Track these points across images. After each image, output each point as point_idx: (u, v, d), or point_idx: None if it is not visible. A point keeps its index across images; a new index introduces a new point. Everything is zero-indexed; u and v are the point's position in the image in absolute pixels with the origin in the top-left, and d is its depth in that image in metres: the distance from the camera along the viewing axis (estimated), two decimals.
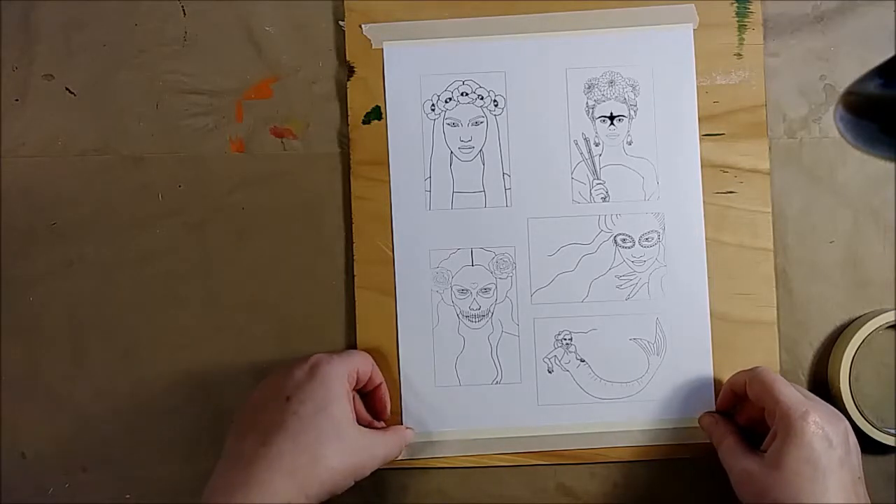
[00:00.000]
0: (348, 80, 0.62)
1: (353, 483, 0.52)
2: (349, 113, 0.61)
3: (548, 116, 0.61)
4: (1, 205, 0.62)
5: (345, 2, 0.62)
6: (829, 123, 0.61)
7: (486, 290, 0.60)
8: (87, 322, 0.62)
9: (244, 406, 0.54)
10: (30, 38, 0.63)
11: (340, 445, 0.51)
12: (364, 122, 0.61)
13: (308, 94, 0.62)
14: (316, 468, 0.50)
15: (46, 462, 0.62)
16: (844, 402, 0.57)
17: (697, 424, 0.59)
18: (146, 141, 0.62)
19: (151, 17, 0.63)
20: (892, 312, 0.58)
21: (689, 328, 0.60)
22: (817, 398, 0.53)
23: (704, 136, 0.60)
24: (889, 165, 0.60)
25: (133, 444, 0.62)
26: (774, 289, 0.60)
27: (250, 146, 0.62)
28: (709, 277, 0.60)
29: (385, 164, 0.61)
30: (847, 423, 0.51)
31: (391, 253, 0.61)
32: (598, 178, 0.60)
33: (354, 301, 0.61)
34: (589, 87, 0.61)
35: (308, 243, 0.62)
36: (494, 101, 0.61)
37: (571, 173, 0.60)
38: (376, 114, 0.61)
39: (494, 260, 0.60)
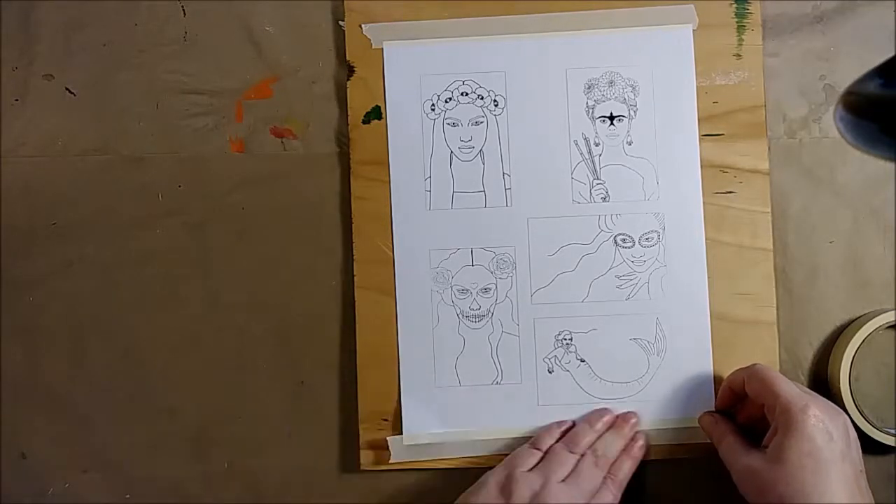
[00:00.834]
0: (348, 79, 0.62)
1: None
2: (349, 113, 0.61)
3: (548, 116, 0.61)
4: (1, 205, 0.62)
5: (345, 2, 0.62)
6: (829, 123, 0.61)
7: (486, 290, 0.60)
8: (87, 322, 0.62)
9: None
10: (30, 38, 0.63)
11: None
12: (364, 122, 0.61)
13: (308, 94, 0.62)
14: None
15: (46, 462, 0.62)
16: (844, 402, 0.57)
17: (698, 424, 0.59)
18: (146, 141, 0.62)
19: (151, 17, 0.63)
20: (892, 312, 0.58)
21: (689, 328, 0.60)
22: (815, 393, 0.53)
23: (704, 136, 0.60)
24: (889, 165, 0.60)
25: (133, 444, 0.62)
26: (774, 289, 0.60)
27: (250, 146, 0.62)
28: (709, 277, 0.60)
29: (385, 163, 0.61)
30: (846, 416, 0.52)
31: (391, 253, 0.61)
32: (598, 178, 0.60)
33: (354, 301, 0.61)
34: (589, 88, 0.61)
35: (308, 243, 0.62)
36: (494, 101, 0.61)
37: (571, 173, 0.60)
38: (376, 114, 0.61)
39: (494, 260, 0.60)
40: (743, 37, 0.61)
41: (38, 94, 0.63)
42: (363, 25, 0.61)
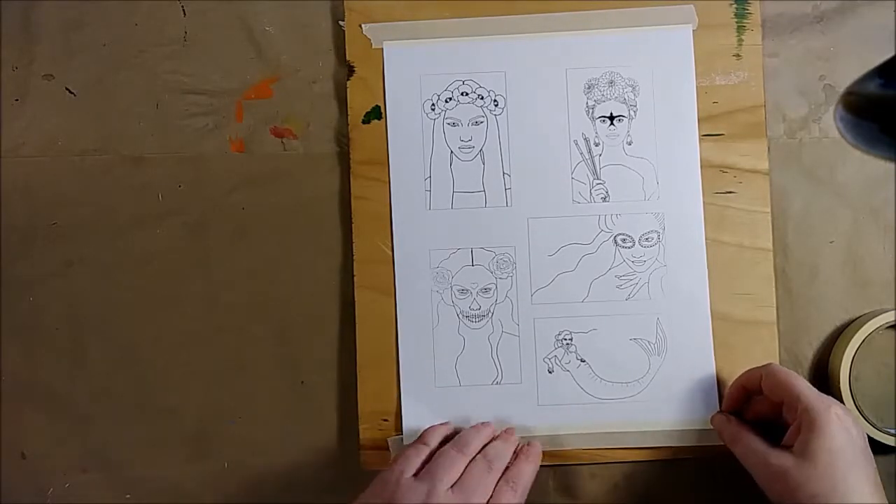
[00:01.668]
0: (348, 79, 0.62)
1: None
2: (349, 113, 0.61)
3: (548, 116, 0.61)
4: (1, 205, 0.62)
5: (345, 2, 0.62)
6: (829, 123, 0.61)
7: (486, 290, 0.60)
8: (87, 322, 0.62)
9: None
10: (30, 38, 0.63)
11: None
12: (364, 122, 0.61)
13: (308, 94, 0.62)
14: None
15: (46, 462, 0.62)
16: (844, 402, 0.57)
17: (699, 426, 0.59)
18: (146, 141, 0.62)
19: (151, 17, 0.63)
20: (892, 312, 0.58)
21: (689, 328, 0.60)
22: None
23: (704, 136, 0.60)
24: (889, 165, 0.60)
25: (133, 444, 0.62)
26: (774, 289, 0.60)
27: (250, 146, 0.62)
28: (709, 277, 0.60)
29: (385, 163, 0.61)
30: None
31: (391, 253, 0.61)
32: (598, 178, 0.60)
33: (354, 301, 0.61)
34: (589, 88, 0.61)
35: (308, 243, 0.62)
36: (494, 100, 0.61)
37: (571, 173, 0.60)
38: (376, 113, 0.61)
39: (494, 260, 0.60)
40: (743, 37, 0.61)
41: (38, 94, 0.63)
42: (363, 25, 0.61)
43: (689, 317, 0.60)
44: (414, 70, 0.61)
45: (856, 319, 0.60)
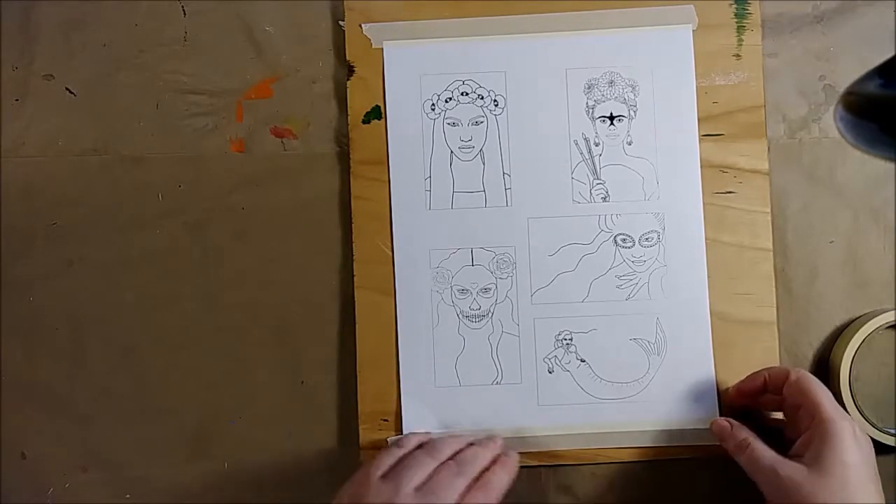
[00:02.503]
0: (348, 79, 0.62)
1: None
2: (349, 112, 0.61)
3: (548, 116, 0.61)
4: (1, 205, 0.62)
5: (345, 1, 0.62)
6: (829, 123, 0.61)
7: (486, 289, 0.60)
8: (87, 322, 0.62)
9: None
10: (30, 38, 0.63)
11: None
12: (364, 122, 0.61)
13: (308, 94, 0.62)
14: None
15: (46, 462, 0.62)
16: (844, 402, 0.57)
17: (699, 426, 0.59)
18: (146, 141, 0.62)
19: (151, 17, 0.63)
20: (892, 312, 0.58)
21: (689, 328, 0.60)
22: None
23: (704, 136, 0.60)
24: (889, 165, 0.60)
25: (133, 444, 0.62)
26: (774, 289, 0.60)
27: (250, 146, 0.62)
28: (708, 277, 0.60)
29: (385, 163, 0.61)
30: None
31: (391, 253, 0.61)
32: (598, 178, 0.60)
33: (354, 301, 0.61)
34: (589, 88, 0.61)
35: (308, 243, 0.62)
36: (494, 100, 0.61)
37: (571, 173, 0.60)
38: (376, 113, 0.61)
39: (494, 260, 0.60)
40: (742, 37, 0.61)
41: (38, 94, 0.63)
42: (363, 25, 0.61)
43: (688, 317, 0.60)
44: (414, 70, 0.61)
45: (856, 319, 0.60)
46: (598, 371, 0.60)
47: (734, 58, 0.61)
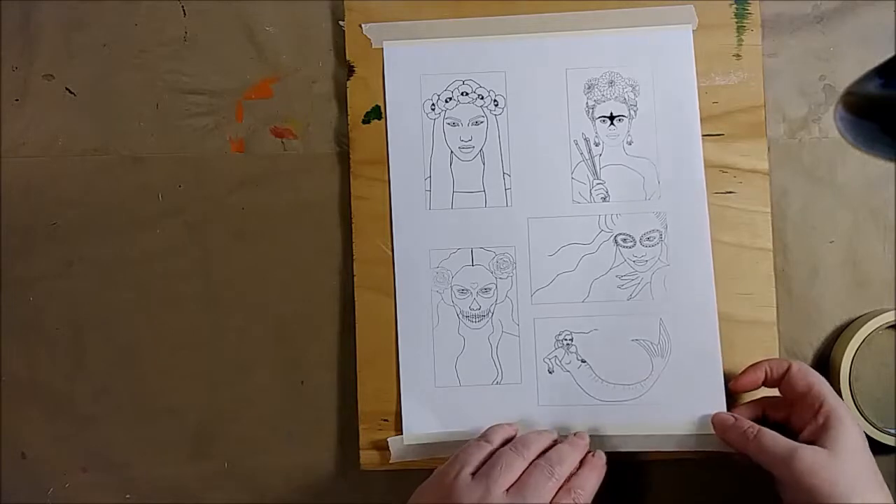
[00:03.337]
0: (348, 79, 0.62)
1: None
2: (349, 112, 0.61)
3: (548, 116, 0.61)
4: (1, 205, 0.62)
5: (345, 1, 0.62)
6: (829, 123, 0.61)
7: (486, 289, 0.60)
8: (87, 322, 0.62)
9: None
10: (30, 38, 0.63)
11: None
12: (364, 122, 0.61)
13: (308, 94, 0.62)
14: None
15: (46, 462, 0.62)
16: (844, 401, 0.57)
17: (705, 431, 0.57)
18: (146, 141, 0.62)
19: (151, 17, 0.63)
20: (892, 312, 0.58)
21: (695, 329, 0.59)
22: None
23: (704, 136, 0.60)
24: (889, 165, 0.60)
25: (133, 444, 0.62)
26: (774, 289, 0.60)
27: (250, 146, 0.62)
28: None
29: (385, 163, 0.61)
30: None
31: (391, 253, 0.61)
32: (598, 178, 0.60)
33: (354, 301, 0.61)
34: (589, 88, 0.61)
35: (308, 243, 0.62)
36: (494, 100, 0.61)
37: (571, 173, 0.60)
38: (376, 113, 0.61)
39: (495, 260, 0.60)
40: (742, 37, 0.61)
41: (38, 94, 0.63)
42: (363, 25, 0.61)
43: (694, 317, 0.59)
44: (414, 70, 0.61)
45: (856, 319, 0.60)
46: (599, 372, 0.59)
47: (734, 58, 0.61)
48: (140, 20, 0.63)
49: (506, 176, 0.61)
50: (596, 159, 0.60)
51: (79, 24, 0.63)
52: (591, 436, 0.58)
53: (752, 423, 0.54)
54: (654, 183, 0.60)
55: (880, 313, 0.58)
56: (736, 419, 0.55)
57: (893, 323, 0.58)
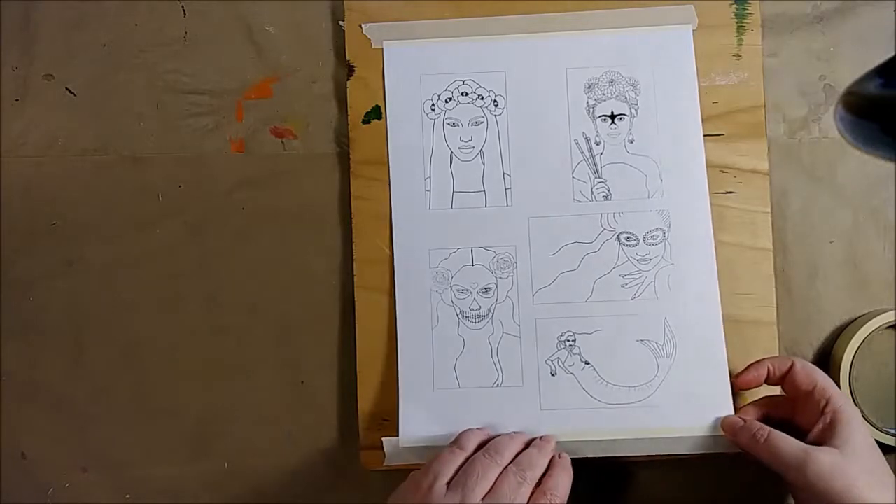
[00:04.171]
0: (348, 79, 0.62)
1: None
2: (349, 113, 0.61)
3: (548, 116, 0.61)
4: (1, 205, 0.62)
5: (345, 1, 0.62)
6: (829, 123, 0.61)
7: (486, 290, 0.60)
8: (87, 322, 0.62)
9: None
10: (30, 38, 0.63)
11: None
12: (364, 122, 0.61)
13: (308, 94, 0.62)
14: None
15: (46, 462, 0.62)
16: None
17: (713, 432, 0.57)
18: (146, 141, 0.62)
19: (151, 17, 0.63)
20: (892, 312, 0.58)
21: (700, 328, 0.58)
22: None
23: (704, 136, 0.60)
24: (889, 165, 0.60)
25: (133, 444, 0.62)
26: (774, 289, 0.60)
27: (250, 146, 0.62)
28: None
29: (385, 163, 0.61)
30: None
31: (391, 253, 0.61)
32: (599, 177, 0.60)
33: (354, 301, 0.61)
34: (589, 87, 0.61)
35: (308, 243, 0.62)
36: (494, 101, 0.61)
37: (572, 172, 0.60)
38: (376, 113, 0.61)
39: (495, 259, 0.60)
40: (743, 37, 0.61)
41: (38, 94, 0.63)
42: (363, 25, 0.61)
43: (699, 317, 0.59)
44: (414, 70, 0.61)
45: (856, 319, 0.60)
46: (603, 374, 0.59)
47: (734, 58, 0.61)
48: (140, 20, 0.63)
49: (506, 176, 0.61)
50: (597, 158, 0.60)
51: (79, 24, 0.63)
52: (596, 440, 0.57)
53: (761, 425, 0.53)
54: (657, 181, 0.60)
55: (880, 313, 0.58)
56: (746, 421, 0.55)
57: (893, 323, 0.58)
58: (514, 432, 0.57)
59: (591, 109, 0.61)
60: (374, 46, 0.62)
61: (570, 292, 0.59)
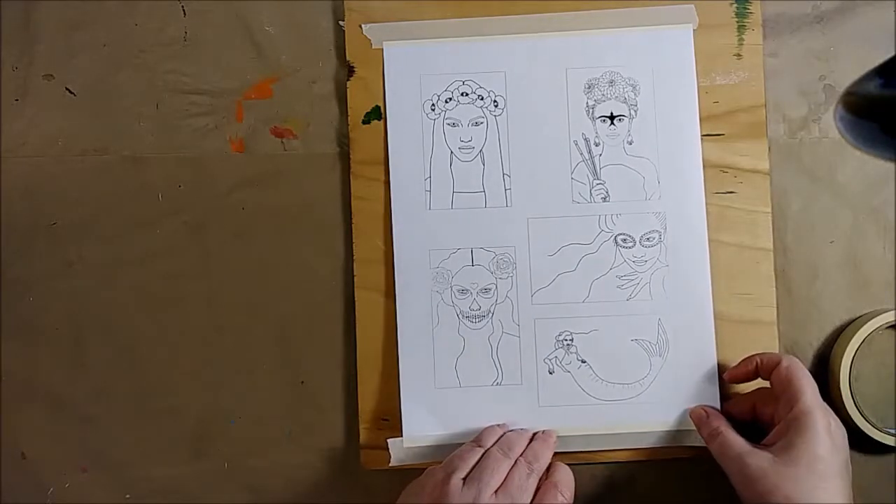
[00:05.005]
0: (348, 79, 0.62)
1: None
2: (349, 113, 0.61)
3: (548, 116, 0.61)
4: (1, 205, 0.62)
5: (345, 2, 0.62)
6: (829, 123, 0.61)
7: (486, 290, 0.60)
8: (87, 322, 0.62)
9: None
10: (30, 38, 0.63)
11: None
12: (364, 122, 0.61)
13: (308, 94, 0.62)
14: None
15: (46, 462, 0.62)
16: (844, 402, 0.57)
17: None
18: (146, 141, 0.62)
19: (151, 17, 0.63)
20: (892, 312, 0.58)
21: (692, 329, 0.59)
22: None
23: (704, 136, 0.60)
24: (889, 165, 0.60)
25: (133, 444, 0.62)
26: (774, 289, 0.60)
27: (250, 146, 0.62)
28: None
29: (385, 163, 0.61)
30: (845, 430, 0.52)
31: (391, 253, 0.61)
32: (598, 179, 0.60)
33: (354, 301, 0.61)
34: (589, 87, 0.61)
35: (308, 243, 0.62)
36: (494, 101, 0.61)
37: (571, 173, 0.60)
38: (376, 114, 0.61)
39: (495, 260, 0.60)
40: (743, 37, 0.61)
41: (38, 94, 0.63)
42: (363, 25, 0.61)
43: (691, 317, 0.60)
44: (414, 70, 0.61)
45: (856, 319, 0.60)
46: (598, 372, 0.60)
47: (735, 57, 0.61)
48: (140, 20, 0.63)
49: (506, 176, 0.61)
50: (596, 159, 0.60)
51: (79, 24, 0.63)
52: (591, 434, 0.59)
53: (722, 422, 0.55)
54: (654, 183, 0.60)
55: (880, 313, 0.58)
56: (709, 415, 0.56)
57: (893, 323, 0.58)
58: (522, 429, 0.59)
59: (591, 110, 0.61)
60: (374, 47, 0.61)
61: (568, 293, 0.60)
